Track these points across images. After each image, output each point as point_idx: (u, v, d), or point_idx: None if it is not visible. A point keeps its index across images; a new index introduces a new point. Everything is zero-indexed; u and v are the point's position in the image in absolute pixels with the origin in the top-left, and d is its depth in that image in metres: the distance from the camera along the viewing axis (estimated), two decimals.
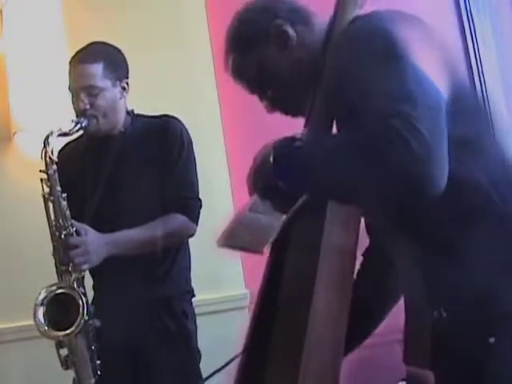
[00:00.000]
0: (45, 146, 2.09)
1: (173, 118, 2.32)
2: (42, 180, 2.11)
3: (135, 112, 2.36)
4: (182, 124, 2.31)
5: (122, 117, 2.28)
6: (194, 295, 2.34)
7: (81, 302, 2.03)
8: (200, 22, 3.11)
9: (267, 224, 1.21)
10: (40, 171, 2.11)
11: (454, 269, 1.24)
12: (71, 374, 2.12)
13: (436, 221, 1.26)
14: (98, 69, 2.17)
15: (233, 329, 2.79)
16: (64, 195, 2.10)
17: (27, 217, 2.80)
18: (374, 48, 1.22)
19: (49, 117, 2.75)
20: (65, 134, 2.13)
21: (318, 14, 1.52)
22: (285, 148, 1.25)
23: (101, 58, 2.19)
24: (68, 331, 2.01)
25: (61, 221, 2.08)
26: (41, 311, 2.03)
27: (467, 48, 3.20)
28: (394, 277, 1.44)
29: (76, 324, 2.01)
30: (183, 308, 2.24)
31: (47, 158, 2.09)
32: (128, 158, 2.24)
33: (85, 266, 2.06)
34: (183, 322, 2.22)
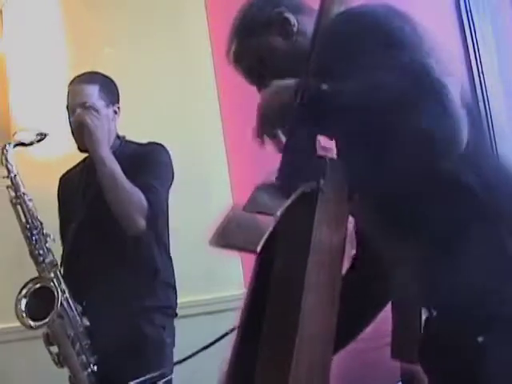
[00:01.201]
0: (3, 154, 2.26)
1: (158, 145, 2.44)
2: (7, 187, 2.28)
3: (127, 138, 2.49)
4: (166, 150, 2.42)
5: (112, 138, 2.41)
6: (176, 314, 2.41)
7: (56, 295, 2.17)
8: (200, 21, 3.13)
9: (260, 221, 1.19)
10: (3, 177, 2.27)
11: (445, 269, 1.25)
12: None
13: (428, 222, 1.27)
14: (94, 90, 2.35)
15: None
16: (30, 197, 2.28)
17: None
18: (376, 27, 1.27)
19: (48, 117, 2.79)
20: (23, 144, 2.31)
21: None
22: (312, 90, 1.24)
23: (97, 82, 2.38)
24: (42, 322, 2.16)
25: (30, 221, 2.27)
26: (23, 302, 2.19)
27: (467, 48, 3.21)
28: (380, 284, 1.45)
29: (50, 316, 2.15)
30: (162, 322, 2.33)
31: (8, 165, 2.27)
32: None
33: (94, 135, 2.24)
34: (160, 332, 2.31)
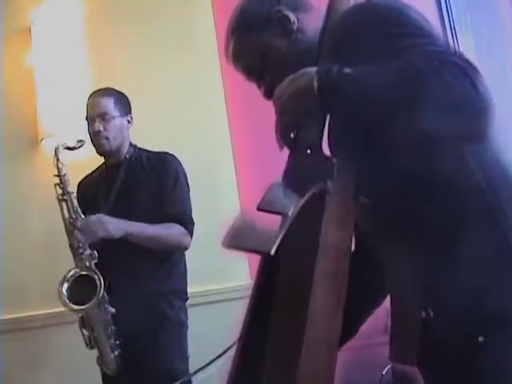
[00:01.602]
0: (56, 155, 2.50)
1: (170, 154, 2.67)
2: (55, 185, 2.50)
3: (138, 146, 2.71)
4: (177, 160, 2.66)
5: (127, 144, 2.67)
6: (187, 298, 2.63)
7: (98, 283, 2.37)
8: (209, 37, 3.29)
9: (270, 224, 1.15)
10: (54, 176, 2.49)
11: (443, 269, 1.22)
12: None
13: (427, 222, 1.24)
14: (109, 101, 2.60)
15: (238, 317, 3.04)
16: (74, 195, 2.50)
17: (53, 216, 2.90)
18: (390, 15, 1.24)
19: (73, 124, 2.98)
20: (69, 148, 2.53)
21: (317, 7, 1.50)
22: (332, 74, 1.19)
23: (112, 95, 2.62)
24: (84, 306, 2.36)
25: (74, 216, 2.47)
26: (65, 286, 2.38)
27: None
28: (377, 278, 1.40)
29: (92, 301, 2.34)
30: (180, 304, 2.58)
31: (59, 164, 2.49)
32: (133, 179, 2.62)
33: (101, 233, 2.40)
34: (179, 314, 2.56)
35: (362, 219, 1.33)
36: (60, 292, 2.37)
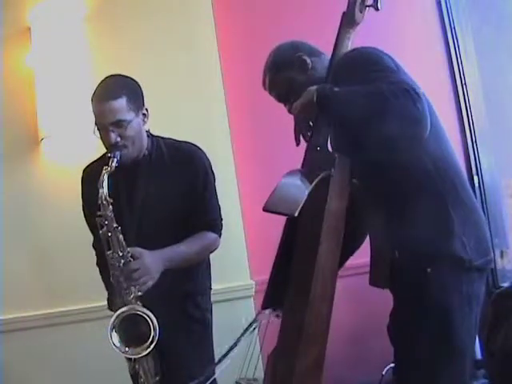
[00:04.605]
0: (102, 188, 2.19)
1: (194, 145, 2.47)
2: (97, 220, 2.23)
3: (152, 133, 2.46)
4: (202, 152, 2.47)
5: (145, 140, 2.39)
6: (211, 288, 2.57)
7: (151, 323, 2.17)
8: (209, 35, 3.31)
9: (297, 194, 1.75)
10: (97, 216, 2.22)
11: (405, 224, 1.80)
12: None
13: (394, 194, 1.87)
14: (122, 103, 2.24)
15: (240, 316, 2.96)
16: (119, 228, 2.21)
17: (52, 216, 3.07)
18: (370, 57, 1.87)
19: (72, 125, 2.99)
20: (110, 173, 2.21)
21: (325, 51, 2.14)
22: (326, 90, 1.81)
23: (122, 93, 2.26)
24: (144, 346, 2.17)
25: (119, 252, 2.20)
26: (115, 334, 2.17)
27: (451, 61, 3.38)
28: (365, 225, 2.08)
29: (149, 341, 2.17)
30: (206, 303, 2.50)
31: (104, 201, 2.20)
32: (156, 177, 2.38)
33: (150, 283, 2.21)
34: (205, 314, 2.49)
35: (358, 195, 1.97)
36: (111, 340, 2.15)
